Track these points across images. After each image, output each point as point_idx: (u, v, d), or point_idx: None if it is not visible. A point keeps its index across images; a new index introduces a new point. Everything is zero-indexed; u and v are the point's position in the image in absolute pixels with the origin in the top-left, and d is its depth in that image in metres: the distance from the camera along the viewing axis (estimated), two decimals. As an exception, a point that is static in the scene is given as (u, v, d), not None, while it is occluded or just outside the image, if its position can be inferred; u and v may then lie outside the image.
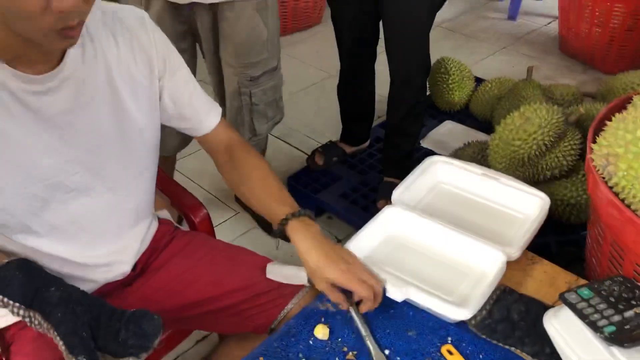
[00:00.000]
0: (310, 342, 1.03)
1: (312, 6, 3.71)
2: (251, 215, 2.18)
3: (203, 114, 1.18)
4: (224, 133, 1.20)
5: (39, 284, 0.90)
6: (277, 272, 1.21)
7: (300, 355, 1.01)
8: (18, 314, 0.88)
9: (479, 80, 2.57)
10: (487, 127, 2.35)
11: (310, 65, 3.28)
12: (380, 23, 1.91)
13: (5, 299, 0.87)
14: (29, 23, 0.80)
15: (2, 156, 0.92)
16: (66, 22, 0.82)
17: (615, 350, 0.89)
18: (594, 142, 1.14)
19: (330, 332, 1.05)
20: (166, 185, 1.37)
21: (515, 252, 1.12)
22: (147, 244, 1.21)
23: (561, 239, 1.69)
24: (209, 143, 1.21)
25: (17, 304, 0.87)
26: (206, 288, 1.19)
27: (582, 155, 1.64)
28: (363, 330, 1.04)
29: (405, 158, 2.04)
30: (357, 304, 1.04)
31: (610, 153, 1.06)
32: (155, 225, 1.24)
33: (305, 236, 1.05)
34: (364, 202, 2.05)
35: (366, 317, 1.06)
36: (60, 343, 0.86)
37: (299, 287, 1.18)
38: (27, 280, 0.89)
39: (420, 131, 2.14)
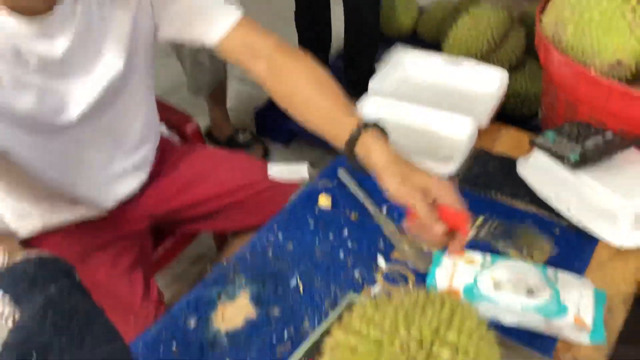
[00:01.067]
0: (316, 212, 1.15)
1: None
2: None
3: (214, 14, 1.03)
4: (247, 35, 1.02)
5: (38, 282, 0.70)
6: (278, 170, 1.31)
7: (309, 220, 1.13)
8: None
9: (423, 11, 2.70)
10: (436, 48, 2.49)
11: (260, 11, 3.32)
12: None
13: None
14: None
15: (21, 101, 0.92)
16: None
17: (580, 172, 1.05)
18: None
19: (333, 202, 1.16)
20: (153, 103, 1.43)
21: (484, 119, 1.26)
22: (155, 154, 1.27)
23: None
24: (229, 51, 1.03)
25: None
26: (211, 187, 1.27)
27: (527, 49, 1.79)
28: (361, 195, 1.16)
29: (365, 77, 2.15)
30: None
31: (558, 18, 1.21)
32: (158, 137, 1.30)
33: (384, 147, 0.89)
34: (331, 124, 2.15)
35: (363, 186, 1.18)
36: None
37: (301, 182, 1.27)
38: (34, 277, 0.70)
39: (377, 51, 2.25)
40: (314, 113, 0.98)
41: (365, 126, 0.90)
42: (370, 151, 0.89)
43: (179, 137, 1.43)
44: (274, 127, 2.21)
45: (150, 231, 1.28)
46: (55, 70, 0.95)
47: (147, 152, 1.20)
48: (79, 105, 0.99)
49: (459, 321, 0.62)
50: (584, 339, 0.89)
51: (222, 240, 1.58)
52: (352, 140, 0.90)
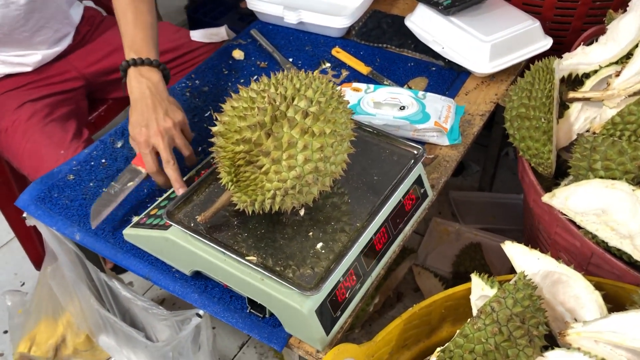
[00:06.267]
0: (230, 62, 1.30)
1: None
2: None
3: None
4: None
5: None
6: (199, 34, 1.45)
7: (224, 68, 1.28)
8: None
9: None
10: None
11: None
12: None
13: None
14: None
15: None
16: None
17: (452, 18, 1.23)
18: None
19: (245, 55, 1.32)
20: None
21: (381, -15, 1.43)
22: (78, 20, 1.39)
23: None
24: None
25: None
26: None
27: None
28: (270, 48, 1.32)
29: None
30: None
31: None
32: (77, 17, 1.41)
33: (135, 88, 1.02)
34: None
35: (272, 42, 1.34)
36: None
37: (221, 43, 1.42)
38: None
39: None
40: (120, 28, 1.11)
41: (126, 67, 1.03)
42: (128, 85, 1.03)
43: (107, 13, 1.55)
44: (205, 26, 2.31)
45: (85, 96, 1.42)
46: None
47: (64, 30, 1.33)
48: None
49: (316, 85, 0.80)
50: (444, 141, 1.09)
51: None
52: (122, 73, 1.05)
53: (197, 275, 0.87)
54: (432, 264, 1.54)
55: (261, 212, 0.80)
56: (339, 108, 0.79)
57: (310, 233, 0.82)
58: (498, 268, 1.48)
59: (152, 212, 0.91)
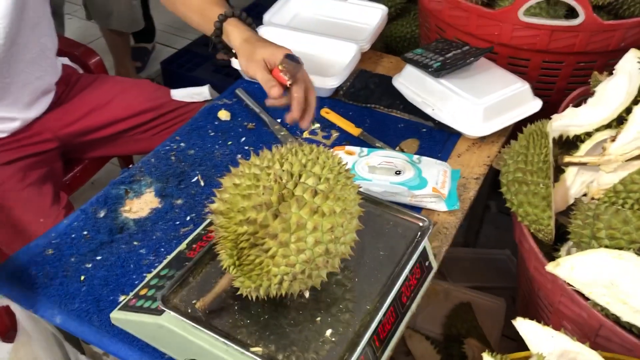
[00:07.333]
0: (216, 123, 1.26)
1: None
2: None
3: None
4: None
5: None
6: (181, 93, 1.41)
7: (210, 130, 1.24)
8: None
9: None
10: None
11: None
12: None
13: None
14: None
15: None
16: None
17: (442, 79, 1.23)
18: None
19: (232, 115, 1.28)
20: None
21: (366, 44, 1.42)
22: (57, 79, 1.33)
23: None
24: None
25: None
26: (117, 111, 1.35)
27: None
28: (257, 109, 1.28)
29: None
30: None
31: None
32: (60, 67, 1.36)
33: (242, 31, 1.03)
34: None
35: (259, 102, 1.30)
36: None
37: (204, 103, 1.38)
38: None
39: None
40: (188, 11, 1.11)
41: (226, 16, 1.04)
42: (230, 37, 1.03)
43: (83, 70, 1.49)
44: (179, 78, 2.28)
45: (59, 156, 1.35)
46: None
47: (48, 78, 1.27)
48: None
49: (323, 160, 0.76)
50: (441, 207, 1.06)
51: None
52: (217, 30, 1.04)
53: (193, 362, 0.81)
54: (422, 326, 1.49)
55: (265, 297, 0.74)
56: (347, 184, 0.76)
57: (318, 318, 0.76)
58: (489, 328, 1.45)
59: (141, 292, 0.85)
